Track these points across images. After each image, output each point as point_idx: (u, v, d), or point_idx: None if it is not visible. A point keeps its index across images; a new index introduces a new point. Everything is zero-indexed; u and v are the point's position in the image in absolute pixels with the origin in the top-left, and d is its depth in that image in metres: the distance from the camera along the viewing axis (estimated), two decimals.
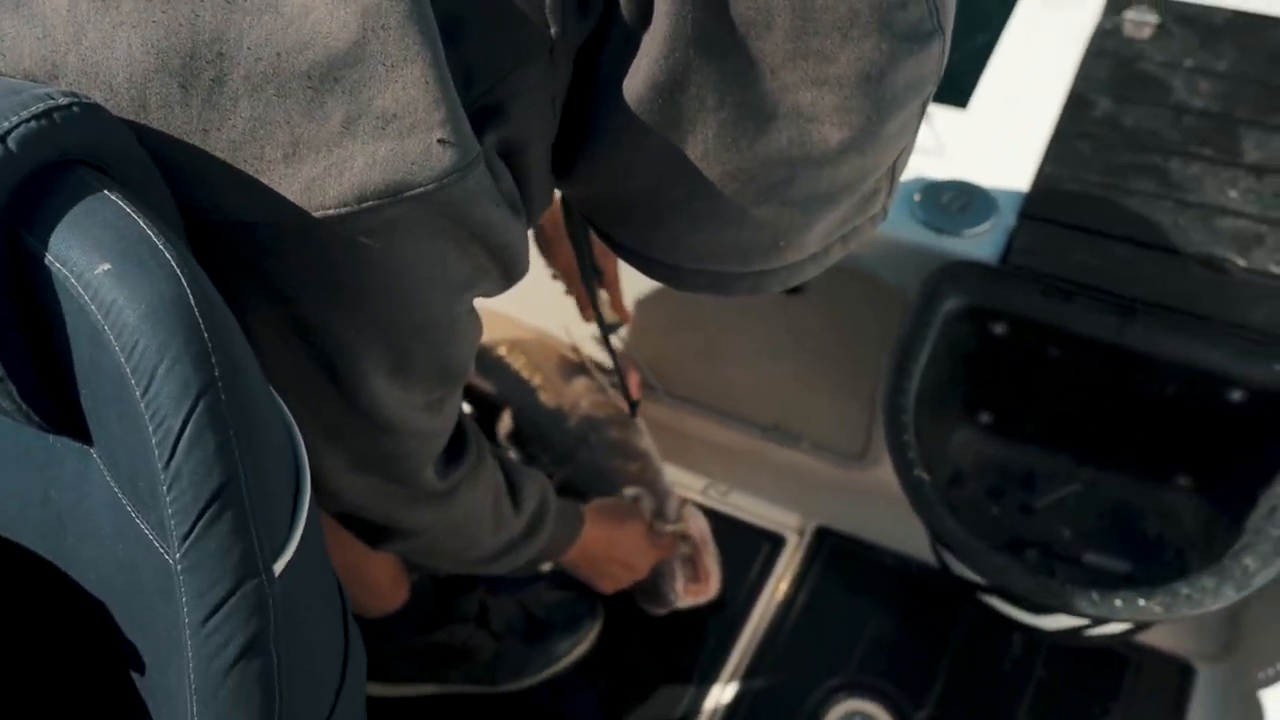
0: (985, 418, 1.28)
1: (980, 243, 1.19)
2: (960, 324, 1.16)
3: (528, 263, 0.71)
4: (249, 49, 0.54)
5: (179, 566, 0.49)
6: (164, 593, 0.51)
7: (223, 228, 0.59)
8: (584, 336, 1.56)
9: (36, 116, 0.50)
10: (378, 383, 0.69)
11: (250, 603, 0.50)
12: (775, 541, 1.46)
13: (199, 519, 0.49)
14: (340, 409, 0.70)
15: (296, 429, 0.57)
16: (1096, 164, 1.26)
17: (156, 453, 0.48)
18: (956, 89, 1.55)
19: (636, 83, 0.61)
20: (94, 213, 0.50)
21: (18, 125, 0.49)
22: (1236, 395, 1.08)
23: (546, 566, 1.24)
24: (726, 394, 1.58)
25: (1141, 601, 0.95)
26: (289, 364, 0.67)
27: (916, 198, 1.25)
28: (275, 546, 0.52)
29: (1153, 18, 1.45)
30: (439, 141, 0.56)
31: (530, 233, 0.84)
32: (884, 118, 0.63)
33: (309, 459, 0.68)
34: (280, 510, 0.53)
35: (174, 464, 0.48)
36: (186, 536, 0.49)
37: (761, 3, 0.58)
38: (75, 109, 0.52)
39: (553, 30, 0.60)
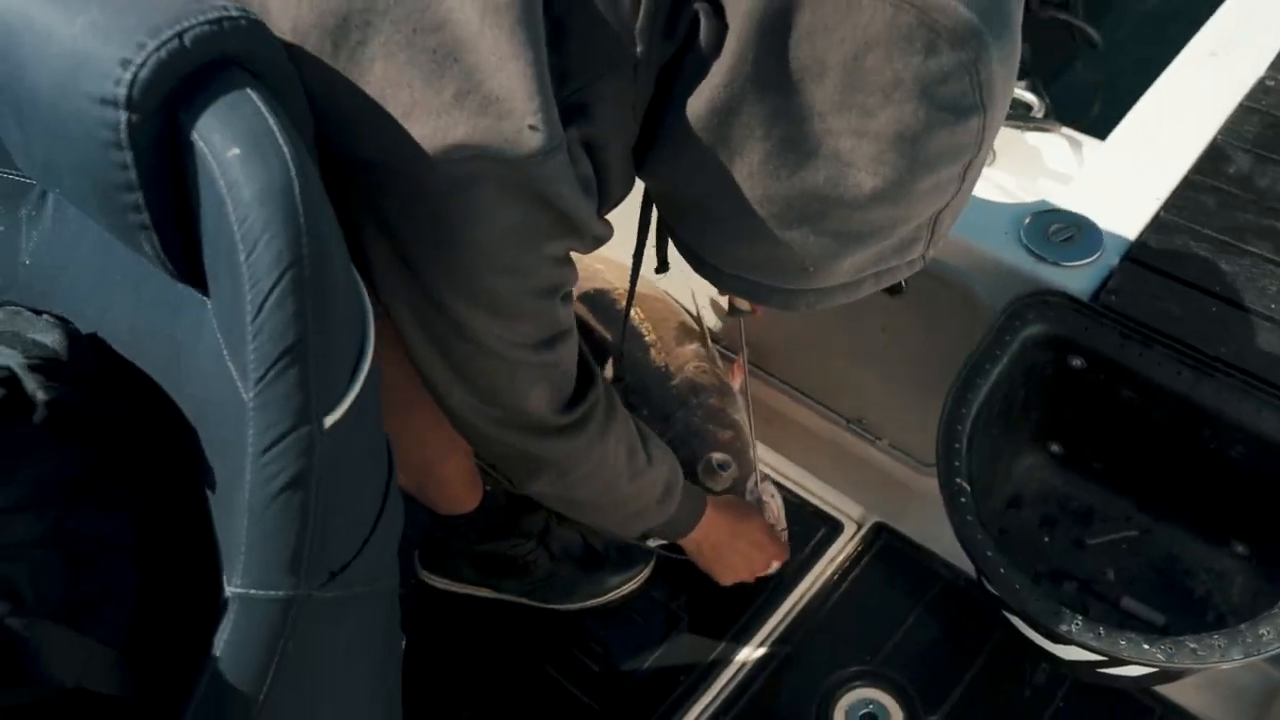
0: (1055, 447, 1.30)
1: (1076, 276, 1.21)
2: (1040, 351, 1.19)
3: (607, 230, 0.81)
4: (391, 23, 0.67)
5: (251, 404, 0.60)
6: (238, 425, 0.62)
7: (349, 164, 0.72)
8: (706, 306, 1.64)
9: (211, 21, 0.62)
10: (478, 318, 0.81)
11: (301, 444, 0.61)
12: (834, 527, 1.51)
13: (271, 368, 0.60)
14: (445, 327, 0.82)
15: (370, 319, 0.68)
16: (1217, 219, 1.25)
17: (249, 308, 0.59)
18: (1105, 120, 1.55)
19: (699, 103, 0.71)
20: (236, 107, 0.61)
21: (193, 26, 0.61)
22: None
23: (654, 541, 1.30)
24: (819, 383, 1.63)
25: (1145, 645, 0.98)
26: (401, 287, 0.80)
27: (1026, 221, 1.27)
28: (329, 404, 0.62)
29: None
30: (529, 127, 0.67)
31: None
32: (916, 176, 0.71)
33: (421, 363, 0.82)
34: (340, 376, 0.64)
35: (259, 319, 0.59)
36: (260, 380, 0.60)
37: (819, 54, 0.66)
38: (243, 21, 0.63)
39: (639, 49, 0.71)
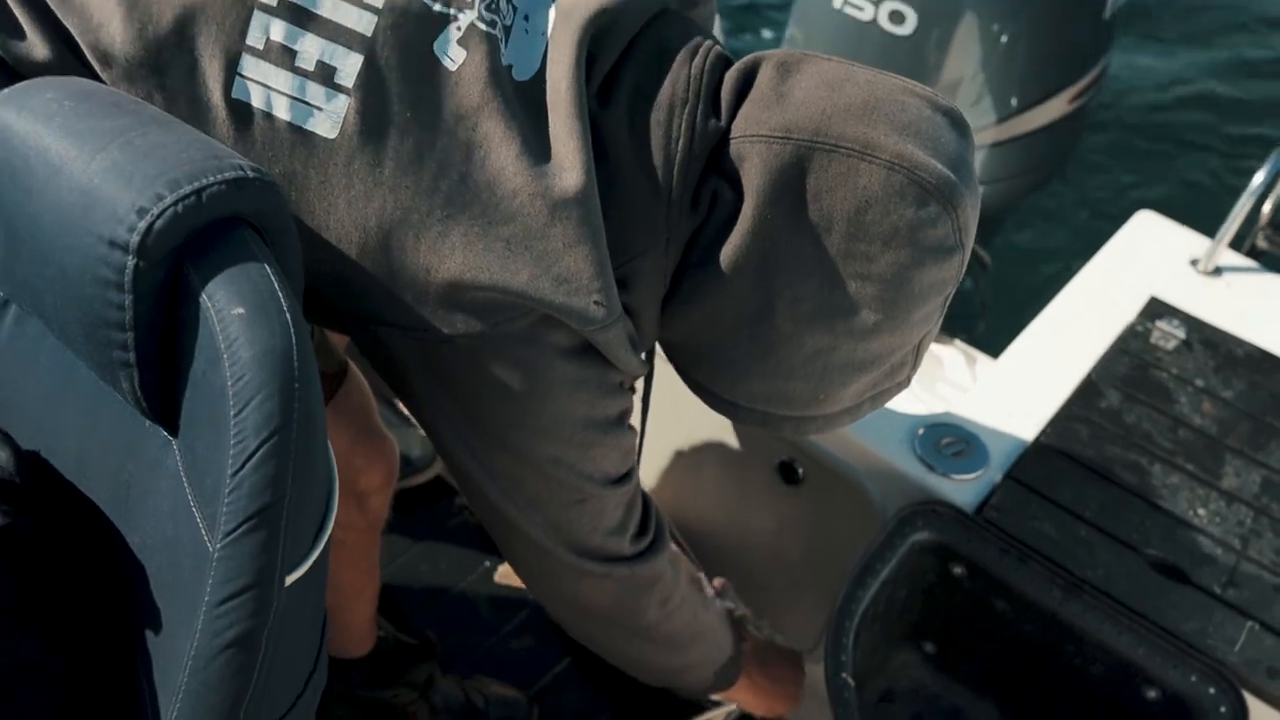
0: (929, 647, 1.36)
1: (963, 489, 1.30)
2: (925, 556, 1.26)
3: (644, 368, 0.89)
4: (469, 217, 0.74)
5: (215, 555, 0.62)
6: (197, 571, 0.63)
7: (413, 334, 0.78)
8: None
9: (227, 181, 0.65)
10: (563, 458, 0.86)
11: (259, 602, 0.62)
12: (697, 709, 1.54)
13: (243, 523, 0.61)
14: (529, 472, 0.88)
15: (336, 484, 0.70)
16: (1089, 449, 1.37)
17: (231, 462, 0.61)
18: (992, 334, 1.69)
19: (721, 264, 0.81)
20: (243, 267, 0.64)
21: (211, 185, 0.64)
22: (1152, 693, 1.16)
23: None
24: (714, 558, 1.67)
25: None
26: (474, 439, 0.86)
27: (920, 432, 1.37)
28: (291, 564, 0.63)
29: (1180, 333, 1.58)
30: (595, 302, 0.77)
31: None
32: (911, 308, 0.83)
33: (502, 511, 0.90)
34: (305, 537, 0.65)
35: (240, 475, 0.61)
36: (229, 534, 0.61)
37: (825, 213, 0.78)
38: (258, 183, 0.67)
39: (668, 229, 0.81)
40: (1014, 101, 1.96)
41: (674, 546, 1.11)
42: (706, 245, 0.82)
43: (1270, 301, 1.66)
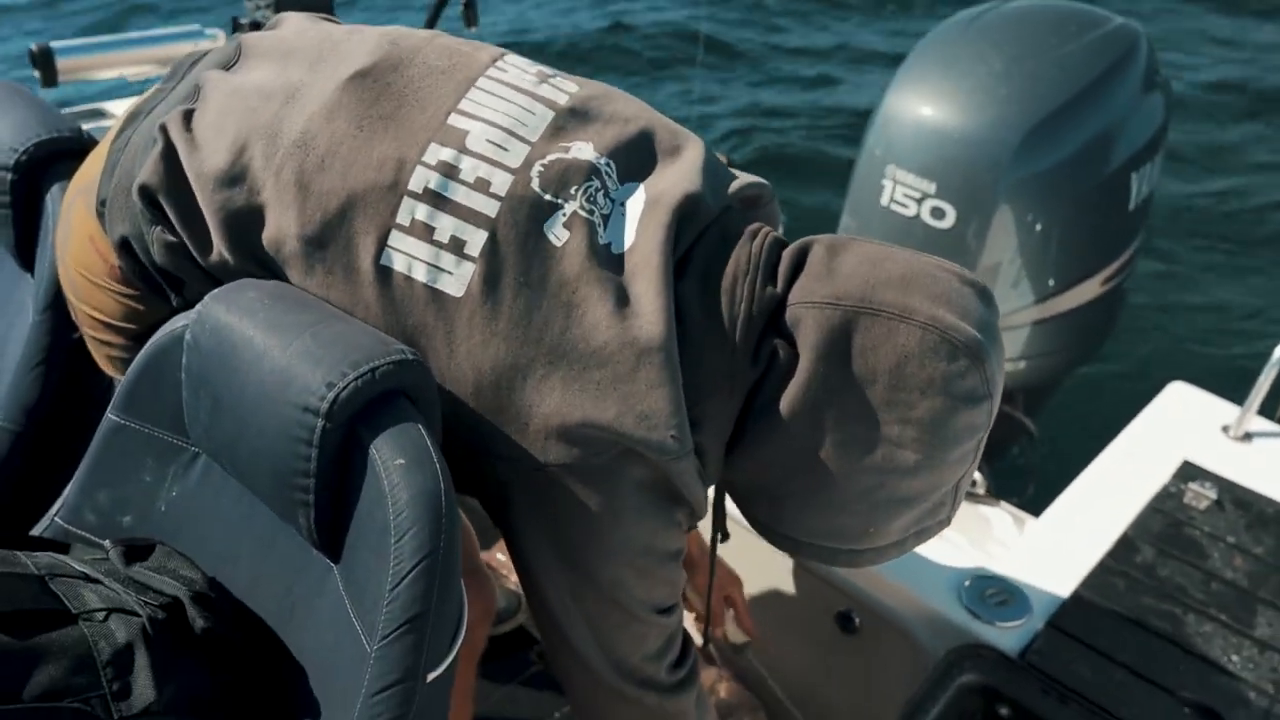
0: None
1: (1007, 635, 1.41)
2: (972, 697, 1.37)
3: (705, 509, 1.02)
4: (567, 363, 0.90)
5: (374, 654, 0.78)
6: (354, 670, 0.79)
7: (528, 468, 0.93)
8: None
9: (394, 362, 0.85)
10: (623, 583, 0.99)
11: (406, 693, 0.78)
12: None
13: (397, 629, 0.78)
14: (591, 590, 0.99)
15: (466, 602, 0.86)
16: (1125, 600, 1.48)
17: (390, 579, 0.78)
18: (1038, 497, 1.81)
19: (781, 410, 0.95)
20: (404, 427, 0.83)
21: (382, 365, 0.84)
22: None
23: None
24: (773, 700, 1.78)
25: None
26: (551, 557, 0.99)
27: (967, 583, 1.49)
28: (433, 663, 0.79)
29: (1212, 494, 1.69)
30: (671, 437, 0.91)
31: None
32: (947, 449, 0.95)
33: (560, 621, 1.01)
34: (443, 643, 0.81)
35: (397, 590, 0.78)
36: (386, 637, 0.78)
37: (870, 366, 0.92)
38: (415, 364, 0.86)
39: (733, 378, 0.96)
40: (1051, 283, 2.14)
41: (711, 684, 1.18)
42: (767, 395, 0.94)
43: None
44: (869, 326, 0.92)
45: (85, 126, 1.43)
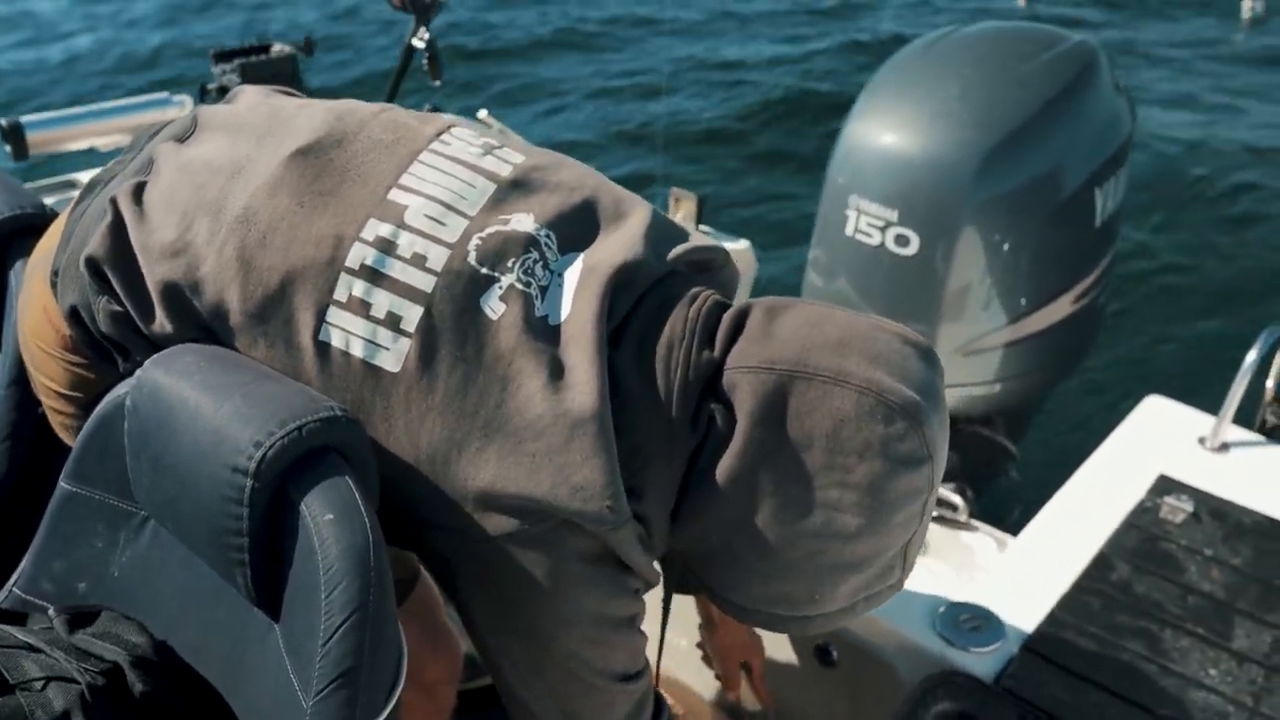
0: None
1: (982, 661, 1.40)
2: None
3: (656, 576, 1.01)
4: (503, 436, 0.91)
5: (309, 711, 0.78)
6: None
7: (450, 533, 0.94)
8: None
9: (322, 419, 0.85)
10: (579, 652, 0.98)
11: None
12: None
13: (330, 684, 0.78)
14: (549, 662, 0.99)
15: (405, 655, 0.86)
16: (1100, 619, 1.47)
17: (321, 635, 0.78)
18: (1024, 519, 1.81)
19: (720, 475, 0.94)
20: (334, 484, 0.84)
21: (309, 422, 0.85)
22: None
23: None
24: None
25: None
26: (504, 629, 0.98)
27: (941, 610, 1.48)
28: (368, 718, 0.80)
29: (1189, 506, 1.68)
30: (607, 508, 0.90)
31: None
32: (889, 513, 0.93)
33: (521, 693, 1.01)
34: (379, 697, 0.82)
35: (328, 645, 0.78)
36: (320, 693, 0.78)
37: (807, 430, 0.91)
38: (344, 419, 0.87)
39: (672, 445, 0.95)
40: (1023, 302, 2.14)
41: None
42: (706, 461, 0.94)
43: (1275, 473, 1.77)
44: (804, 391, 0.91)
45: (57, 198, 1.46)
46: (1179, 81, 6.33)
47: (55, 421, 1.19)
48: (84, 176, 2.02)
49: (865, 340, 0.94)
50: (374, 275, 0.94)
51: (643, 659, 1.05)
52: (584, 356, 0.91)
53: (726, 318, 0.97)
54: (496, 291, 0.93)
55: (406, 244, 0.94)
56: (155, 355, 0.96)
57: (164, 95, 2.12)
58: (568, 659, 0.98)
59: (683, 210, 2.39)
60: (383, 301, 0.93)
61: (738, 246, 2.37)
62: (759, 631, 1.69)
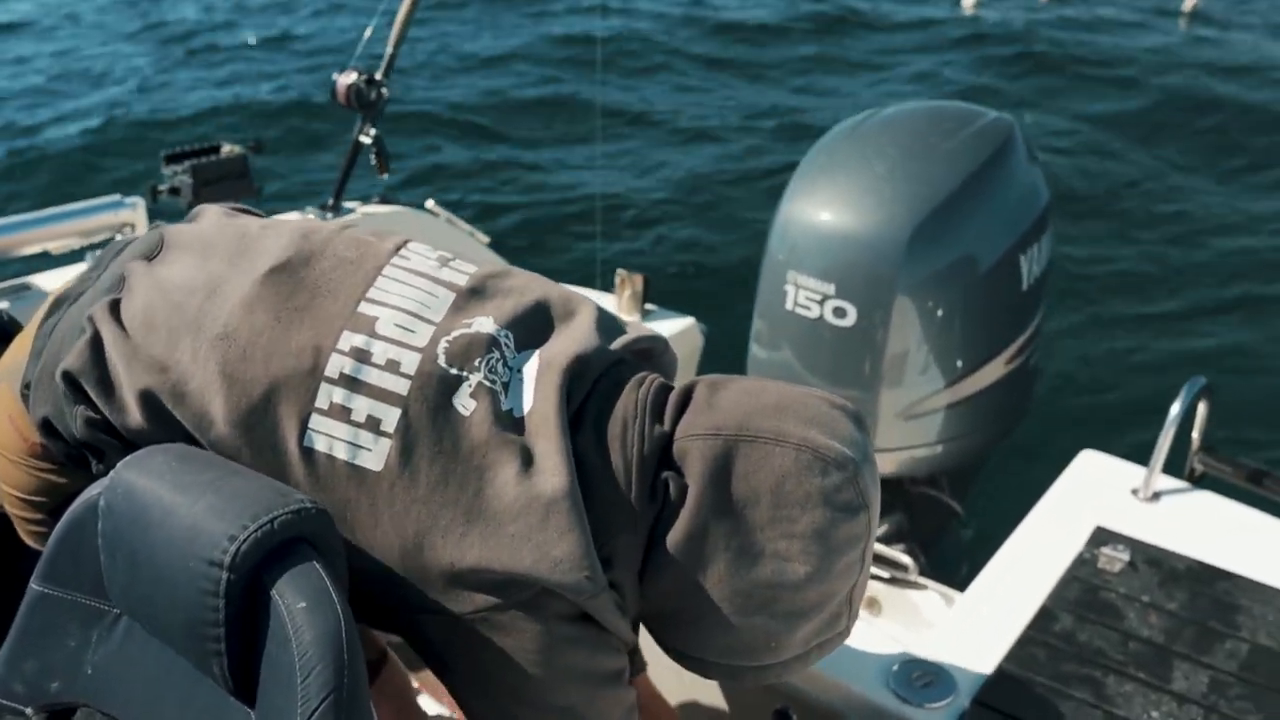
0: None
1: (935, 716, 1.46)
2: None
3: (633, 637, 1.07)
4: (483, 520, 0.97)
5: None
6: None
7: (461, 619, 0.99)
8: None
9: (293, 511, 0.90)
10: (573, 713, 1.03)
11: None
12: None
13: None
14: None
15: None
16: (1047, 669, 1.53)
17: (299, 718, 0.82)
18: (970, 572, 1.87)
19: (677, 537, 1.01)
20: (305, 572, 0.88)
21: (281, 515, 0.89)
22: None
23: None
24: None
25: None
26: (492, 702, 1.03)
27: (894, 668, 1.53)
28: None
29: (1125, 555, 1.76)
30: (585, 578, 0.97)
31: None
32: (833, 559, 1.00)
33: None
34: None
35: None
36: None
37: (753, 487, 0.99)
38: (314, 511, 0.91)
39: (635, 515, 1.02)
40: (959, 364, 2.23)
41: None
42: (664, 526, 1.01)
43: (1206, 519, 1.86)
44: (748, 452, 0.99)
45: (9, 302, 1.49)
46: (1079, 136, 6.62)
47: (22, 529, 1.21)
48: (39, 279, 2.05)
49: (799, 405, 1.03)
50: (352, 382, 1.00)
51: (634, 713, 1.10)
52: (550, 443, 0.98)
53: (673, 395, 1.06)
54: (466, 390, 1.00)
55: (380, 351, 1.00)
56: (127, 458, 1.00)
57: (116, 197, 2.16)
58: (565, 715, 1.03)
59: (629, 289, 2.47)
60: (362, 406, 0.99)
61: (683, 324, 2.44)
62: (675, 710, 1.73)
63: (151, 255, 1.14)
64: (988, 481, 2.72)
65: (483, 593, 0.97)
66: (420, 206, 2.76)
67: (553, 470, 0.97)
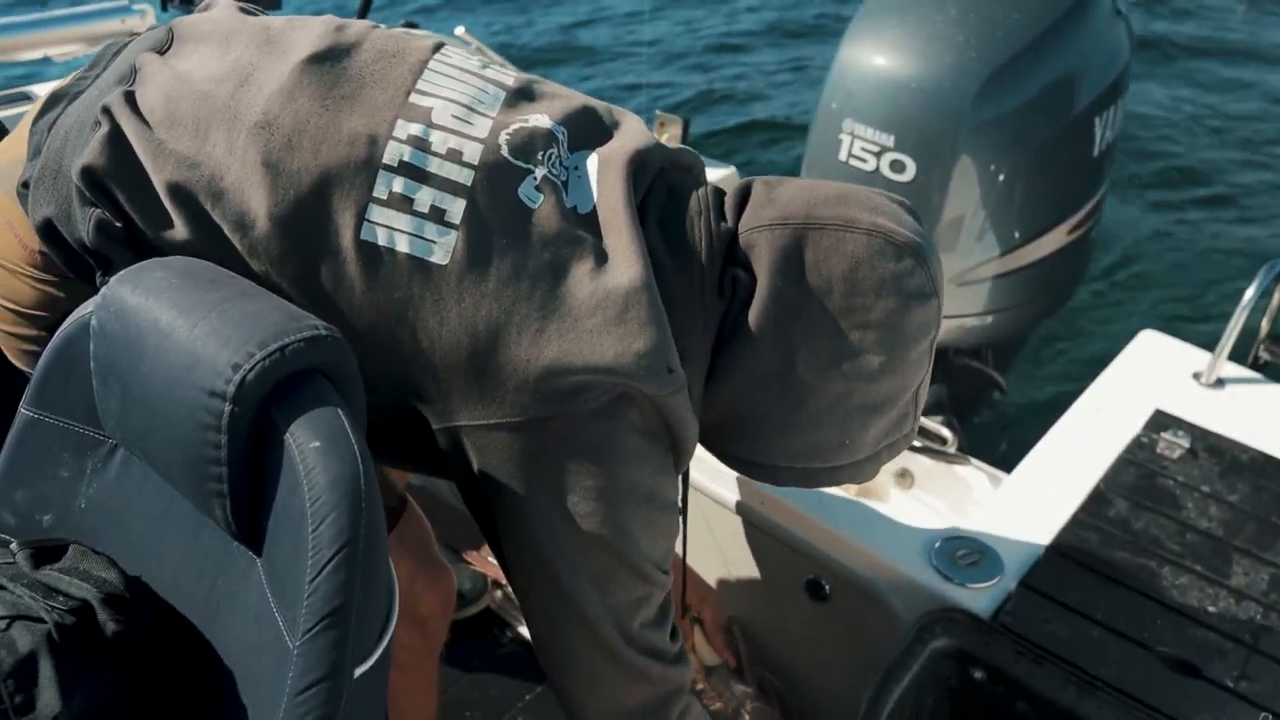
0: None
1: (979, 597, 1.38)
2: (946, 662, 1.33)
3: (693, 448, 1.03)
4: (559, 315, 0.92)
5: (296, 651, 0.73)
6: (278, 668, 0.74)
7: (528, 427, 0.92)
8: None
9: (306, 339, 0.79)
10: (631, 539, 0.98)
11: (332, 690, 0.73)
12: None
13: (319, 623, 0.73)
14: (600, 551, 0.98)
15: (396, 591, 0.81)
16: (1099, 555, 1.44)
17: (309, 571, 0.73)
18: (1011, 453, 1.78)
19: (746, 331, 0.98)
20: (320, 408, 0.78)
21: (292, 342, 0.78)
22: None
23: None
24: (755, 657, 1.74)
25: None
26: (550, 527, 0.96)
27: (937, 545, 1.45)
28: (359, 658, 0.74)
29: (1185, 442, 1.66)
30: (668, 369, 0.93)
31: None
32: (906, 348, 1.00)
33: (565, 583, 0.99)
34: (370, 636, 0.76)
35: (316, 581, 0.73)
36: (307, 632, 0.73)
37: (825, 277, 0.97)
38: (329, 339, 0.80)
39: (705, 311, 0.99)
40: (1016, 234, 2.10)
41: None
42: (733, 323, 0.99)
43: (1272, 409, 1.74)
44: (818, 239, 0.97)
45: (7, 111, 1.36)
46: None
47: (10, 347, 1.12)
48: (37, 88, 1.91)
49: (859, 195, 1.02)
50: (413, 171, 0.94)
51: (674, 554, 1.07)
52: (622, 236, 0.95)
53: (731, 192, 1.04)
54: (532, 182, 0.96)
55: (439, 141, 0.95)
56: (122, 272, 0.89)
57: (123, 3, 2.00)
58: (620, 538, 0.97)
59: (668, 133, 2.32)
60: (425, 196, 0.93)
61: (723, 173, 2.30)
62: (710, 582, 1.67)
63: (162, 49, 1.03)
64: (1035, 358, 2.61)
65: (559, 393, 0.92)
66: (449, 33, 2.58)
67: (627, 262, 0.93)
